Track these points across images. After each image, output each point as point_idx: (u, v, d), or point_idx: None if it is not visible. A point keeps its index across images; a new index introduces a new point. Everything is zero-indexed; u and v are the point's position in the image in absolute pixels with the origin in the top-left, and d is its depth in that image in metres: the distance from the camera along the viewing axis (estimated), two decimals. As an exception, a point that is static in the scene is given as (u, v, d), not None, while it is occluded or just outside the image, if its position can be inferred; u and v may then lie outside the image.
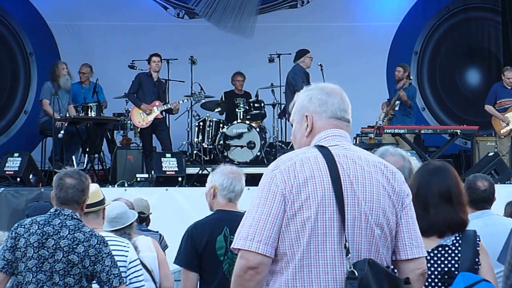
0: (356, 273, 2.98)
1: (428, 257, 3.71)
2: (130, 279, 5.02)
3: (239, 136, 12.38)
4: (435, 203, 3.75)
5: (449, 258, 3.73)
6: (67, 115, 11.84)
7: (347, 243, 3.03)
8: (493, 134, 12.96)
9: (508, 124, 12.45)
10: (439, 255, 3.74)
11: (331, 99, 3.24)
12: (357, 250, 3.06)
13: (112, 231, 5.88)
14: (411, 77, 12.65)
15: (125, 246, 5.08)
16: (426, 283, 3.70)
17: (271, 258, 3.06)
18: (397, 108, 12.45)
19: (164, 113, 12.18)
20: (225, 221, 4.72)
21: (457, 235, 3.75)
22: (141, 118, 12.03)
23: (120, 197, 6.87)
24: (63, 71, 12.21)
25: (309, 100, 3.26)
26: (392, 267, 3.20)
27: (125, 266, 4.97)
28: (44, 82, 12.53)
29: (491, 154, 11.49)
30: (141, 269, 5.15)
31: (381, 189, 3.12)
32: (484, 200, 5.08)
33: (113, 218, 5.89)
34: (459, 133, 11.56)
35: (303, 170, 3.09)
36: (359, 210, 3.07)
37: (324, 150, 3.14)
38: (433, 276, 3.72)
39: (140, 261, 5.86)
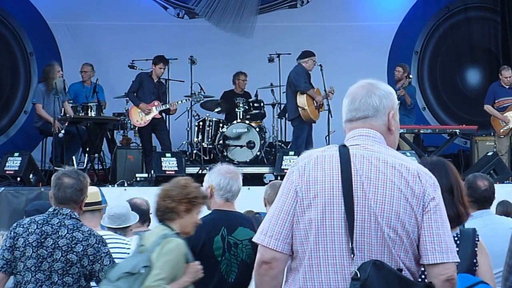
0: (359, 275, 2.95)
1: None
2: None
3: (239, 135, 12.39)
4: None
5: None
6: (67, 115, 11.85)
7: (351, 244, 3.01)
8: (492, 134, 12.96)
9: (507, 124, 12.46)
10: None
11: (345, 102, 3.25)
12: (368, 251, 3.03)
13: (108, 228, 5.90)
14: (411, 76, 12.63)
15: (126, 244, 5.10)
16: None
17: (285, 254, 3.09)
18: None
19: (162, 113, 12.18)
20: (222, 221, 4.71)
21: (455, 234, 3.75)
22: (139, 117, 12.04)
23: (136, 197, 6.85)
24: (58, 74, 12.04)
25: None
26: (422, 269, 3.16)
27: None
28: (36, 85, 12.44)
29: (490, 153, 11.49)
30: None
31: (396, 191, 3.05)
32: (485, 200, 5.09)
33: (110, 215, 5.89)
34: (458, 133, 11.56)
35: (316, 168, 3.10)
36: (369, 211, 3.03)
37: (343, 149, 3.11)
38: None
39: None
